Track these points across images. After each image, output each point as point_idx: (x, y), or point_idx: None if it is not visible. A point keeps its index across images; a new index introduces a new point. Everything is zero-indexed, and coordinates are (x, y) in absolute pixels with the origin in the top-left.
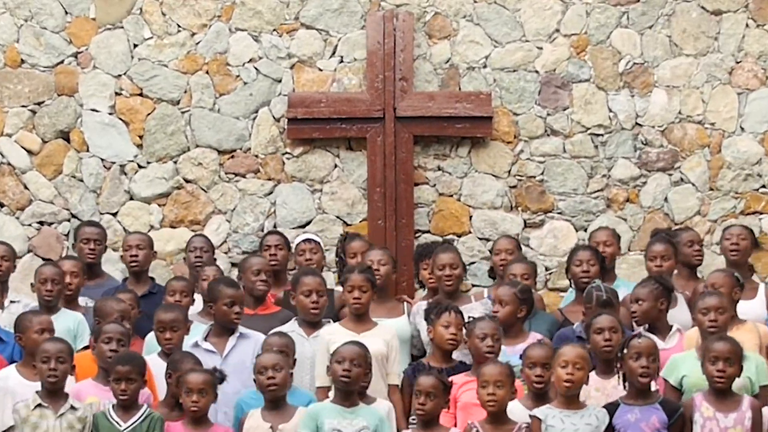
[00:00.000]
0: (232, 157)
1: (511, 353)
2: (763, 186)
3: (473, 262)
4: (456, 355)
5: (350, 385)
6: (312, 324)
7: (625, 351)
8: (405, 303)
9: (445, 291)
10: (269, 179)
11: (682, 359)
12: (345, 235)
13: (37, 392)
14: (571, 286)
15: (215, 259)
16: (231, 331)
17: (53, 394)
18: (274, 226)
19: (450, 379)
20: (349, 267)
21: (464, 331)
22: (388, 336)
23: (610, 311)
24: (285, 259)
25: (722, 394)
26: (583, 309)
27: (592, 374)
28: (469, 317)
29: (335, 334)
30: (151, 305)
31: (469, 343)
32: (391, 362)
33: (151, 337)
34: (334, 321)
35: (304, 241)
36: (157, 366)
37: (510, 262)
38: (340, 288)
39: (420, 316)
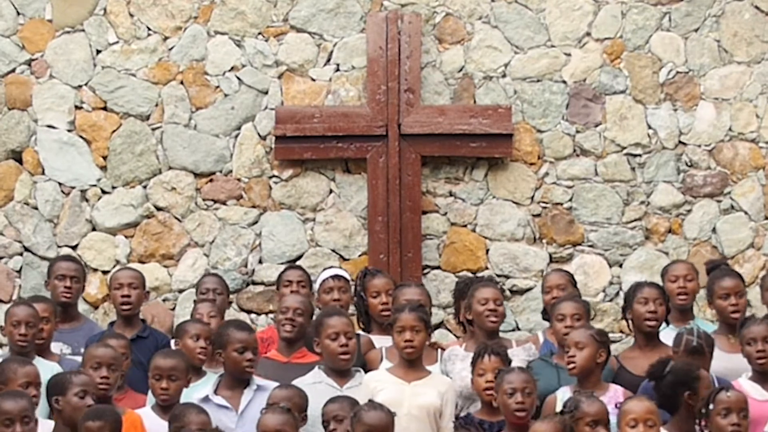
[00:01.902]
0: (211, 180)
1: None
2: None
3: None
4: None
5: None
6: (341, 372)
7: (711, 406)
8: (438, 350)
9: (486, 329)
10: (254, 207)
11: None
12: (365, 271)
13: None
14: (629, 327)
15: (230, 303)
16: (246, 383)
17: None
18: (260, 261)
19: None
20: (399, 305)
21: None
22: (443, 387)
23: (699, 360)
24: (308, 297)
25: None
26: (670, 354)
27: None
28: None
29: (382, 382)
30: (142, 351)
31: (498, 399)
32: (446, 418)
33: None
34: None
35: (332, 277)
36: (151, 421)
37: (559, 300)
38: (362, 333)
39: (451, 362)
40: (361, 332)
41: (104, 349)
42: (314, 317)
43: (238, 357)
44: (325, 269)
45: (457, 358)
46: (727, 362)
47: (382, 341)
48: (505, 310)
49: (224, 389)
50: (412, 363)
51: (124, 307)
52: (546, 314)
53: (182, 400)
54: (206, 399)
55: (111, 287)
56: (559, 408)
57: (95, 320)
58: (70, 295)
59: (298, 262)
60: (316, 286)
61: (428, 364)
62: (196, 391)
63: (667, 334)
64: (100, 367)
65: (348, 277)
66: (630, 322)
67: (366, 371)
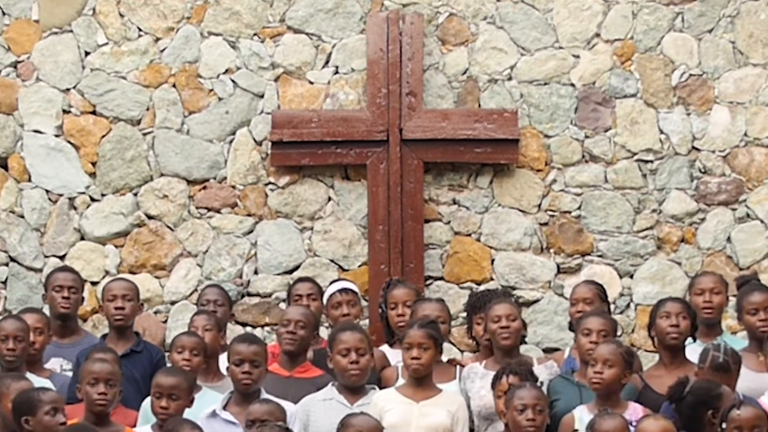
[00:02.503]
0: (204, 188)
1: None
2: None
3: None
4: None
5: None
6: (354, 389)
7: (724, 425)
8: (457, 366)
9: (501, 347)
10: (249, 215)
11: None
12: (389, 282)
13: None
14: (654, 345)
15: (233, 315)
16: (254, 398)
17: None
18: (255, 272)
19: None
20: (411, 321)
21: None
22: (453, 406)
23: (724, 378)
24: (319, 311)
25: None
26: (695, 371)
27: None
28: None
29: (390, 402)
30: (135, 366)
31: (507, 416)
32: None
33: (147, 404)
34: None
35: (340, 291)
36: None
37: (586, 314)
38: (386, 348)
39: (470, 380)
40: (378, 348)
41: (101, 364)
42: (328, 333)
43: (235, 370)
44: (332, 283)
45: (477, 376)
46: (753, 381)
47: (401, 356)
48: (521, 324)
49: (233, 405)
50: (421, 381)
51: (118, 318)
52: (572, 327)
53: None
54: (214, 414)
55: (104, 299)
56: (577, 426)
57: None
58: (69, 306)
59: (295, 273)
60: (324, 300)
61: (446, 381)
62: (199, 406)
63: (694, 351)
64: (97, 383)
65: (357, 290)
66: (654, 339)
67: (381, 389)
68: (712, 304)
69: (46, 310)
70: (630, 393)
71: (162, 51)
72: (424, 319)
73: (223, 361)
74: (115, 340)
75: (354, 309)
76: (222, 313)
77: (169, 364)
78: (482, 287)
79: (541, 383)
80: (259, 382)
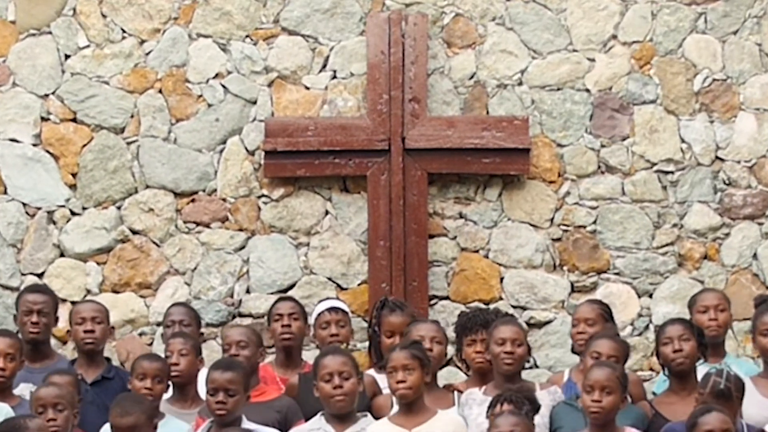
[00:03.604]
0: (193, 201)
1: None
2: None
3: None
4: None
5: None
6: (342, 417)
7: None
8: (455, 392)
9: (502, 372)
10: (241, 230)
11: None
12: (384, 302)
13: None
14: (663, 371)
15: (202, 334)
16: (232, 426)
17: None
18: (247, 291)
19: None
20: (394, 346)
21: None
22: (449, 429)
23: (725, 405)
24: (301, 332)
25: None
26: (696, 396)
27: None
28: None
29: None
30: (107, 393)
31: None
32: None
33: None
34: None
35: (329, 310)
36: None
37: (597, 337)
38: (373, 373)
39: (468, 406)
40: (368, 371)
41: (46, 389)
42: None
43: (210, 399)
44: (320, 301)
45: (475, 402)
46: (764, 408)
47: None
48: (525, 350)
49: None
50: (412, 406)
51: (88, 342)
52: (575, 349)
53: None
54: None
55: (72, 322)
56: None
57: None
58: (38, 331)
59: (290, 292)
60: (311, 319)
61: (444, 408)
62: None
63: (703, 371)
64: (45, 410)
65: (347, 310)
66: (663, 366)
67: (375, 419)
68: (718, 321)
69: None
70: (640, 421)
71: (147, 54)
72: (405, 341)
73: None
74: (84, 366)
75: (343, 330)
76: (190, 334)
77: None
78: (492, 306)
79: (536, 409)
80: (235, 410)
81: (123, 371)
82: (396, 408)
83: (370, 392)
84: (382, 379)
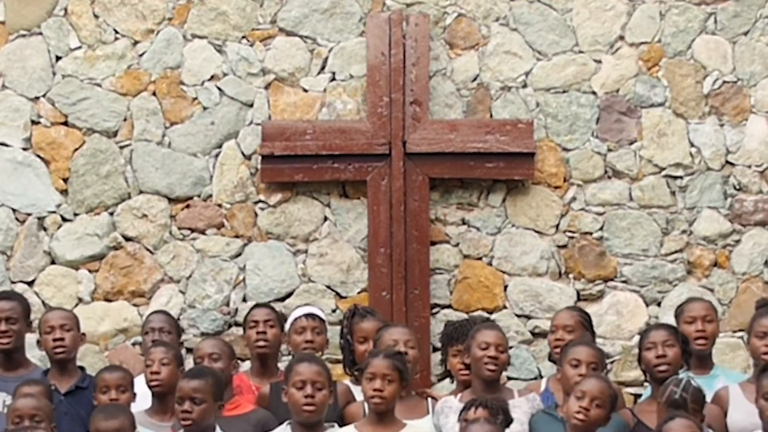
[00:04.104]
0: (188, 206)
1: None
2: None
3: (510, 347)
4: None
5: None
6: (310, 427)
7: None
8: (429, 399)
9: (483, 377)
10: (237, 237)
11: None
12: (354, 310)
13: None
14: (646, 378)
15: (182, 343)
16: None
17: None
18: (244, 299)
19: None
20: (372, 351)
21: None
22: None
23: (687, 415)
24: (277, 340)
25: None
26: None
27: None
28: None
29: None
30: (81, 404)
31: None
32: None
33: None
34: (340, 425)
35: (305, 316)
36: None
37: (574, 343)
38: (348, 383)
39: (444, 414)
40: (341, 381)
41: (23, 400)
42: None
43: (176, 408)
44: (297, 307)
45: (451, 410)
46: (753, 415)
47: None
48: (508, 357)
49: None
50: (383, 416)
51: (58, 351)
52: (553, 357)
53: None
54: None
55: (41, 332)
56: None
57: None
58: (9, 340)
59: (287, 301)
60: (287, 325)
61: (417, 417)
62: None
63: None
64: (21, 421)
65: (324, 318)
66: (645, 372)
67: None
68: (705, 333)
69: None
70: (622, 429)
71: (141, 55)
72: (389, 349)
73: None
74: (58, 376)
75: (319, 337)
76: (170, 342)
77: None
78: (494, 315)
79: (508, 422)
80: (203, 420)
81: None
82: (365, 416)
83: (344, 401)
84: (356, 391)
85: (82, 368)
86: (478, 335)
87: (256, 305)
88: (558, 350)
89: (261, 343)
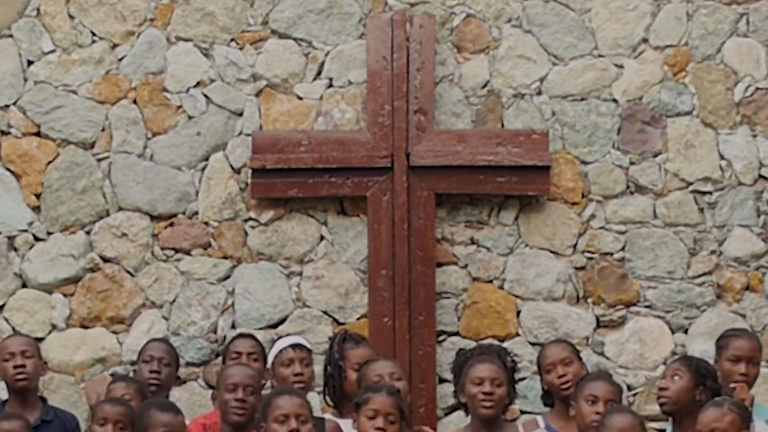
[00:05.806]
0: (171, 225)
1: None
2: None
3: (522, 378)
4: None
5: None
6: None
7: None
8: None
9: (479, 416)
10: (225, 257)
11: None
12: (344, 336)
13: None
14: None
15: (179, 377)
16: None
17: None
18: (233, 326)
19: None
20: (371, 386)
21: None
22: None
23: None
24: (259, 373)
25: None
26: None
27: None
28: None
29: None
30: None
31: None
32: None
33: None
34: None
35: (292, 347)
36: None
37: (590, 378)
38: (331, 416)
39: None
40: (327, 415)
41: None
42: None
43: None
44: (280, 338)
45: None
46: None
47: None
48: (505, 391)
49: None
50: None
51: (19, 378)
52: (547, 398)
53: None
54: None
55: (0, 358)
56: None
57: None
58: None
59: (280, 328)
60: (270, 357)
61: None
62: None
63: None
64: None
65: (311, 348)
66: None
67: None
68: (748, 378)
69: None
70: None
71: (120, 60)
72: (390, 386)
73: None
74: (19, 409)
75: (307, 369)
76: (167, 374)
77: None
78: (506, 343)
79: None
80: None
81: (62, 412)
82: None
83: None
84: (344, 424)
85: (43, 399)
86: (470, 371)
87: (240, 335)
88: (565, 387)
89: None
